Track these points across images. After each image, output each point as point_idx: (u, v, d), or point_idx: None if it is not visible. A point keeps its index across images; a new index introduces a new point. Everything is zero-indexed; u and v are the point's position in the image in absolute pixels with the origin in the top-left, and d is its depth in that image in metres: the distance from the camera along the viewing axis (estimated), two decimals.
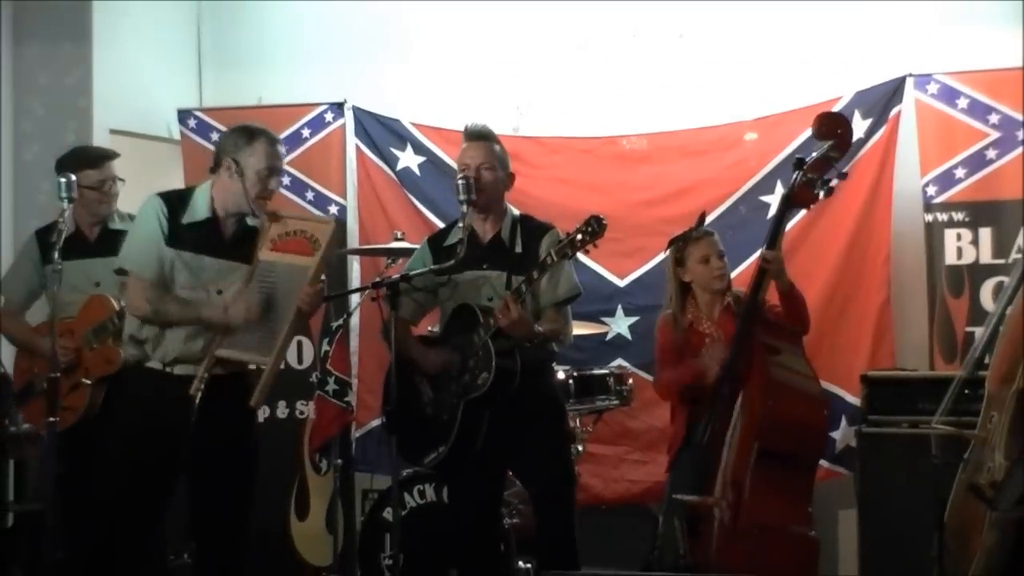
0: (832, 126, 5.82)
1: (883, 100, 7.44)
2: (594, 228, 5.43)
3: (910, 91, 7.42)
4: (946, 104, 7.34)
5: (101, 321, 6.08)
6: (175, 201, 5.42)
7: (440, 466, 5.78)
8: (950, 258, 7.30)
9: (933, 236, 7.35)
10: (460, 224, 5.63)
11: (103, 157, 6.45)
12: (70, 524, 5.94)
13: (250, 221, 5.42)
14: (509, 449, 5.72)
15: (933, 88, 7.36)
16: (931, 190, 7.35)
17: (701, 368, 5.78)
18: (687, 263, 5.99)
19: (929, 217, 7.36)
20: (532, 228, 5.83)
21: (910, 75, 7.41)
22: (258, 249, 5.38)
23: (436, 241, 5.97)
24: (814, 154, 5.75)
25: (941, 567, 5.66)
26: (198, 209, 5.39)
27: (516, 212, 5.93)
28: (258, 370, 5.29)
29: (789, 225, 7.16)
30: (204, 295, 5.33)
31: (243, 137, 5.37)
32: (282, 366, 5.45)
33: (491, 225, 5.83)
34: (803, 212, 6.95)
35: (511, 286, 5.61)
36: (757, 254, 5.85)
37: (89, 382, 6.09)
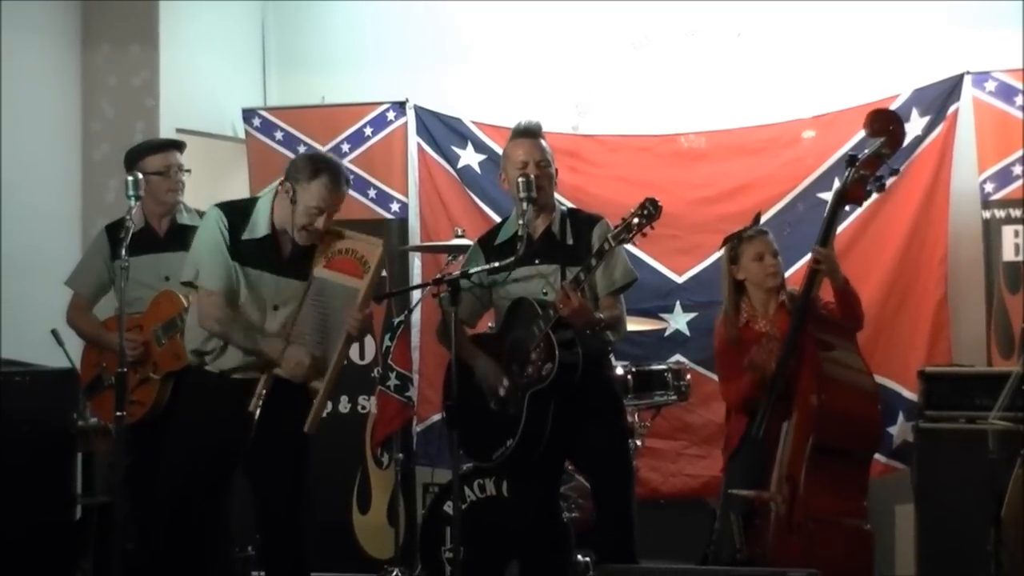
0: (884, 123, 5.83)
1: (941, 98, 7.43)
2: (650, 211, 5.39)
3: (968, 89, 7.40)
4: (1004, 102, 7.32)
5: (170, 318, 6.13)
6: (236, 214, 5.51)
7: (507, 460, 5.77)
8: (1007, 254, 7.27)
9: (990, 233, 7.34)
10: (520, 221, 5.60)
11: (168, 144, 6.55)
12: (138, 516, 6.03)
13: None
14: (569, 441, 5.74)
15: (991, 86, 7.35)
16: (988, 187, 7.33)
17: (758, 376, 5.83)
18: (741, 261, 6.01)
19: (986, 214, 7.35)
20: (582, 220, 5.84)
21: (968, 73, 7.40)
22: (314, 264, 5.49)
23: (486, 242, 5.99)
24: (866, 151, 5.78)
25: (998, 561, 5.69)
26: (258, 226, 5.49)
27: (564, 206, 5.98)
28: (314, 388, 5.41)
29: (847, 222, 7.25)
30: (259, 314, 5.45)
31: (308, 169, 5.43)
32: (344, 363, 5.53)
33: (542, 220, 5.83)
34: (860, 210, 7.07)
35: (565, 278, 5.61)
36: None
37: (157, 377, 6.14)
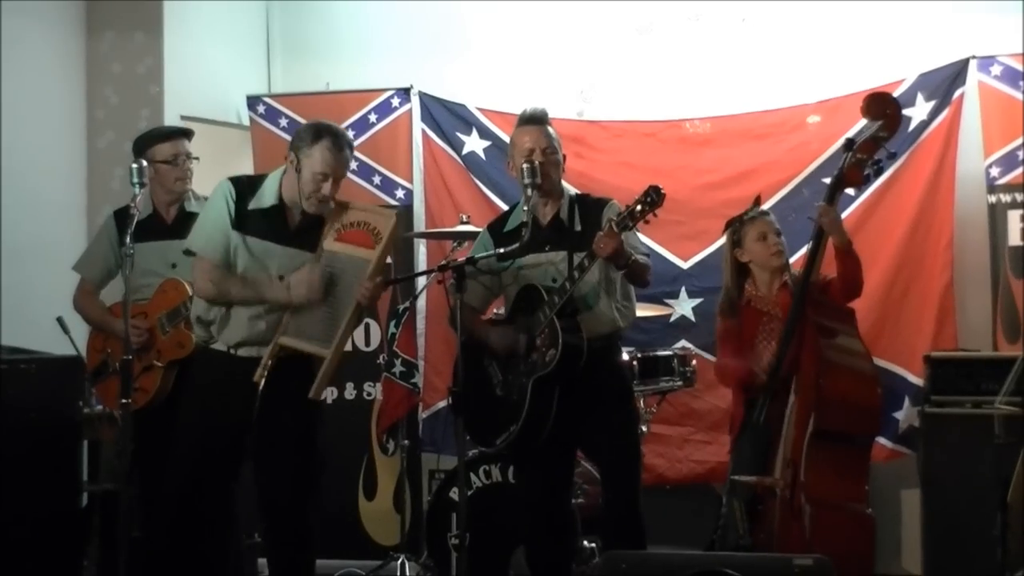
0: (881, 107, 5.83)
1: (946, 82, 7.41)
2: (653, 198, 5.42)
3: (973, 73, 7.39)
4: (1009, 86, 7.31)
5: (175, 306, 6.14)
6: (245, 186, 5.53)
7: (512, 446, 5.81)
8: (1013, 239, 7.26)
9: (996, 217, 7.33)
10: (524, 207, 5.65)
11: (177, 132, 6.57)
12: (144, 503, 6.05)
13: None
14: (578, 428, 5.77)
15: (996, 70, 7.34)
16: (994, 171, 7.32)
17: (754, 370, 5.89)
18: (744, 243, 6.04)
19: (992, 198, 7.34)
20: (590, 204, 5.86)
21: (973, 57, 7.38)
22: (323, 237, 5.47)
23: (496, 228, 6.02)
24: (863, 135, 5.79)
25: (1004, 546, 5.69)
26: (266, 196, 5.49)
27: (572, 192, 5.98)
28: (321, 358, 5.38)
29: (852, 207, 7.26)
30: (267, 279, 5.45)
31: (309, 135, 5.44)
32: (349, 348, 5.53)
33: (550, 207, 5.87)
34: (865, 195, 7.13)
35: (573, 265, 5.65)
36: None
37: (161, 365, 6.17)
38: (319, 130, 5.45)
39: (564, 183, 5.95)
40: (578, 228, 5.81)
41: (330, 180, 5.41)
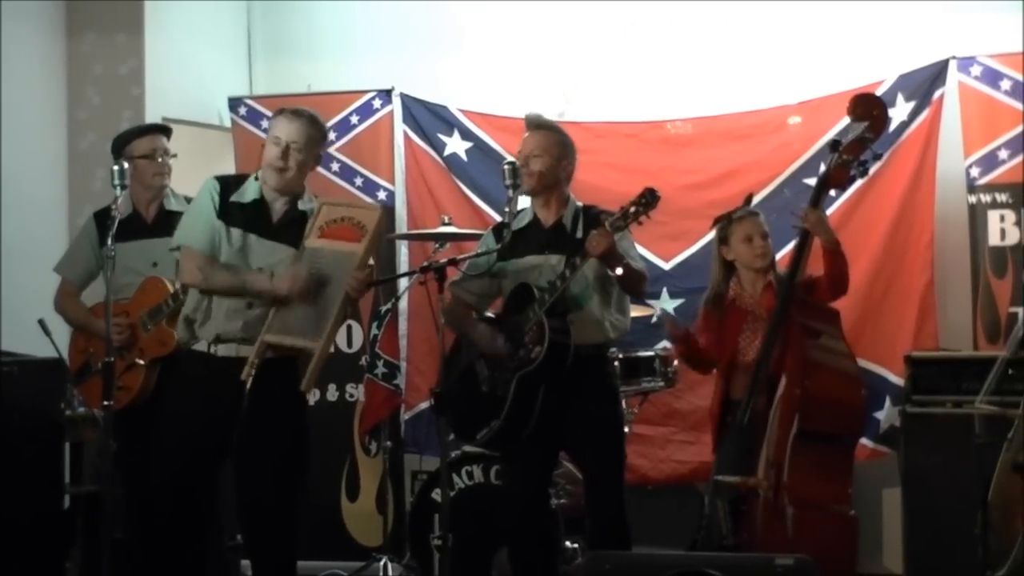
0: (867, 107, 5.85)
1: (926, 83, 7.43)
2: (648, 200, 5.49)
3: (953, 73, 7.40)
4: (989, 86, 7.32)
5: (156, 304, 6.14)
6: (229, 182, 5.59)
7: (492, 442, 5.85)
8: (993, 239, 7.28)
9: (976, 217, 7.34)
10: (506, 209, 5.68)
11: (154, 128, 6.61)
12: (127, 503, 6.04)
13: (301, 205, 5.53)
14: (562, 429, 5.79)
15: (976, 70, 7.35)
16: (974, 172, 7.33)
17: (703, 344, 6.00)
18: (730, 241, 6.04)
19: (972, 199, 7.35)
20: (594, 215, 5.87)
21: (953, 58, 7.40)
22: (306, 236, 5.47)
23: (498, 230, 6.03)
24: (849, 136, 5.80)
25: (985, 545, 5.69)
26: (248, 191, 5.53)
27: (579, 203, 6.01)
28: (308, 353, 5.36)
29: (833, 207, 7.25)
30: (250, 269, 5.46)
31: (273, 114, 5.62)
32: (332, 350, 5.52)
33: (553, 212, 5.92)
34: (846, 195, 7.14)
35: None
36: None
37: (143, 363, 6.16)
38: (281, 107, 5.65)
39: (571, 194, 6.00)
40: (579, 235, 5.83)
41: (284, 146, 5.45)
